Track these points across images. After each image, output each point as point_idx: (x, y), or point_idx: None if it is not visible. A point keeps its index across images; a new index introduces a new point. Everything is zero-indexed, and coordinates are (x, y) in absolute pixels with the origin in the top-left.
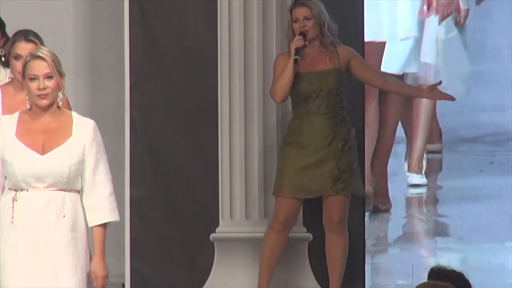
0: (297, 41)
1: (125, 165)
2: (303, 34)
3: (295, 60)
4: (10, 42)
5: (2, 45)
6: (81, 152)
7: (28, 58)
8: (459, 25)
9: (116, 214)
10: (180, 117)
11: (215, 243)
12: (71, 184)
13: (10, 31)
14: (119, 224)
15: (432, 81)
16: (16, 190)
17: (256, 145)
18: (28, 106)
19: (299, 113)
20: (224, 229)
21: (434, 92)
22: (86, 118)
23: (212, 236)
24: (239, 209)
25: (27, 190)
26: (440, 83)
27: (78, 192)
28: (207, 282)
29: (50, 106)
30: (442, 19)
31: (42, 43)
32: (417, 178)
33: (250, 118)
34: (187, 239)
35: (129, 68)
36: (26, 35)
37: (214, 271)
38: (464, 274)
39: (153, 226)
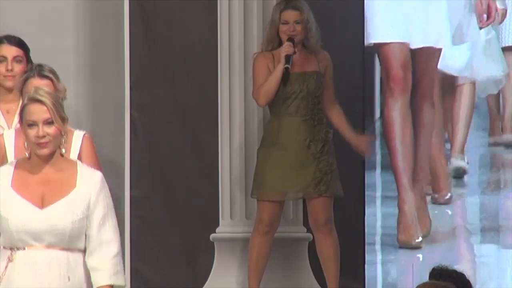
0: (287, 48)
1: (125, 165)
2: (291, 40)
3: (286, 68)
4: (22, 78)
5: None
6: (86, 206)
7: (25, 102)
8: (494, 25)
9: (121, 277)
10: (180, 117)
11: (215, 243)
12: (74, 243)
13: (10, 31)
14: (119, 224)
15: (478, 82)
16: (11, 249)
17: (256, 145)
18: (27, 154)
19: (276, 114)
20: (224, 229)
21: (361, 143)
22: (92, 168)
23: (212, 236)
24: (239, 209)
25: (24, 249)
26: (373, 137)
27: (81, 251)
28: (207, 282)
29: (51, 155)
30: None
31: (57, 78)
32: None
33: (250, 118)
34: (187, 239)
35: (129, 68)
36: (40, 70)
37: (214, 271)
38: (465, 274)
39: (153, 226)
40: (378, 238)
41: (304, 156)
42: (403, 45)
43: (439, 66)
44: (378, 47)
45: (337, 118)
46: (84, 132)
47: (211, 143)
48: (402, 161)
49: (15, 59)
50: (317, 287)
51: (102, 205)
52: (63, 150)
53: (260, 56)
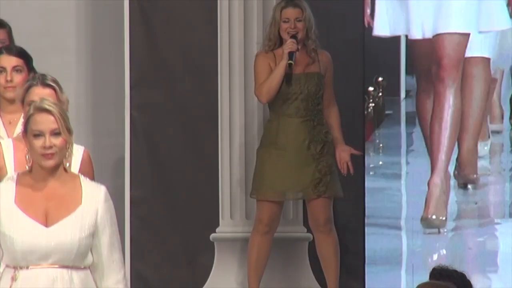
0: (291, 45)
1: (125, 165)
2: (294, 37)
3: (289, 65)
4: (24, 86)
5: None
6: (93, 223)
7: (31, 111)
8: None
9: None
10: (180, 117)
11: (215, 243)
12: (79, 261)
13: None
14: (119, 224)
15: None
16: (15, 268)
17: (256, 145)
18: (28, 167)
19: (276, 114)
20: (224, 229)
21: (343, 154)
22: (96, 183)
23: (212, 236)
24: (239, 209)
25: (27, 268)
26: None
27: (87, 268)
28: (207, 282)
29: (56, 167)
30: None
31: (61, 89)
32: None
33: (250, 118)
34: (187, 239)
35: (129, 68)
36: (44, 79)
37: (214, 271)
38: (466, 275)
39: (153, 226)
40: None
41: (304, 157)
42: (458, 36)
43: (468, 53)
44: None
45: (333, 120)
46: (83, 147)
47: (211, 143)
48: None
49: (15, 69)
50: (317, 287)
51: (110, 223)
52: (67, 164)
53: (261, 55)
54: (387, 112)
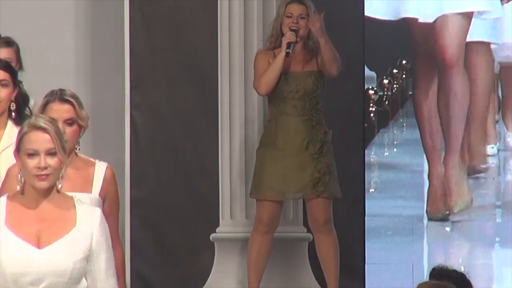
0: (290, 36)
1: (125, 165)
2: (295, 31)
3: (287, 54)
4: (42, 103)
5: (15, 98)
6: (88, 247)
7: (25, 129)
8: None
9: None
10: (180, 117)
11: (215, 243)
12: (73, 285)
13: (10, 30)
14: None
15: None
16: None
17: (256, 145)
18: (19, 187)
19: (275, 113)
20: (224, 229)
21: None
22: (91, 206)
23: (212, 236)
24: (239, 209)
25: None
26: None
27: None
28: (207, 282)
29: (49, 189)
30: None
31: (80, 104)
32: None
33: (250, 118)
34: (187, 239)
35: (129, 68)
36: (62, 94)
37: (214, 271)
38: (466, 275)
39: (153, 226)
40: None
41: (303, 157)
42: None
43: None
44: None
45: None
46: (106, 164)
47: (211, 143)
48: (430, 138)
49: (1, 83)
50: (317, 287)
51: (106, 247)
52: (60, 186)
53: (261, 53)
54: (410, 93)
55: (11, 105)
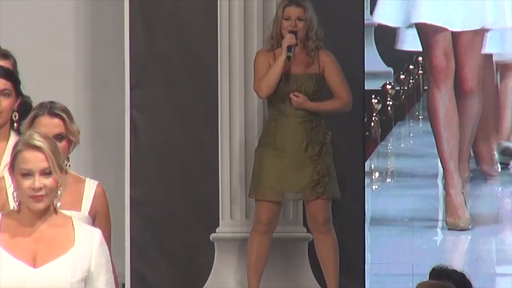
0: (290, 39)
1: (125, 165)
2: (294, 33)
3: (288, 58)
4: (30, 116)
5: (18, 108)
6: (86, 268)
7: (19, 147)
8: None
9: None
10: (180, 117)
11: (215, 243)
12: None
13: (10, 30)
14: (119, 224)
15: None
16: None
17: (256, 145)
18: (15, 206)
19: (274, 114)
20: (224, 229)
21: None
22: (90, 226)
23: (212, 236)
24: (239, 209)
25: None
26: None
27: None
28: (207, 282)
29: (46, 209)
30: None
31: (71, 118)
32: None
33: (250, 118)
34: (187, 239)
35: (129, 68)
36: (51, 107)
37: (214, 271)
38: (466, 275)
39: (153, 226)
40: None
41: (302, 158)
42: (445, 32)
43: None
44: (420, 30)
45: (328, 100)
46: (97, 182)
47: (211, 143)
48: (447, 146)
49: (2, 92)
50: (317, 287)
51: (105, 269)
52: (58, 204)
53: (261, 53)
54: (425, 88)
55: (14, 116)
